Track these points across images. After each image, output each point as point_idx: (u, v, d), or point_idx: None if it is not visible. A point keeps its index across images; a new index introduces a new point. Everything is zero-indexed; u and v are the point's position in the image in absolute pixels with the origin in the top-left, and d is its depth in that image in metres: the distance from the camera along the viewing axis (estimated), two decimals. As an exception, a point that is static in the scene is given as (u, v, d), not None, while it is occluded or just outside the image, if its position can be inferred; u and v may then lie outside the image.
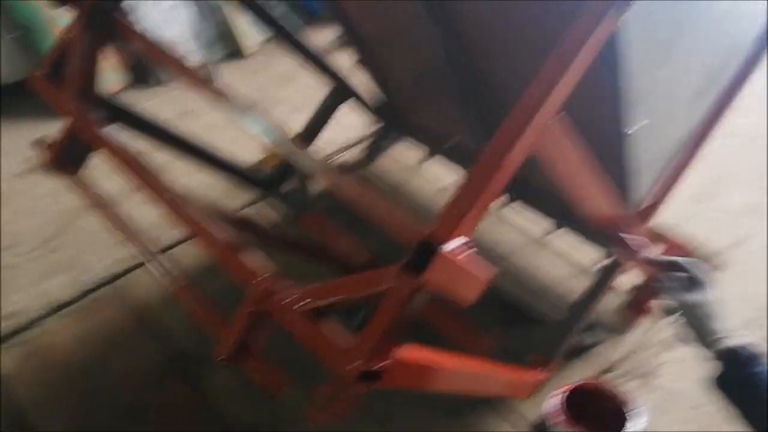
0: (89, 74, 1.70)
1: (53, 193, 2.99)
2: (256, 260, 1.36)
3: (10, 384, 2.17)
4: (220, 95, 1.76)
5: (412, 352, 1.24)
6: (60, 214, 2.87)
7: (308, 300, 1.24)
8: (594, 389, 1.61)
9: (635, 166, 1.72)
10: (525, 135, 1.12)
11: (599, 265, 2.17)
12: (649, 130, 1.66)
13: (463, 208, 1.13)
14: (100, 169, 1.62)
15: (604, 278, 1.99)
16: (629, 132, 1.54)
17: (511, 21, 1.65)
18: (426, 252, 1.06)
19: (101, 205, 1.62)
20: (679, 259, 1.54)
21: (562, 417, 1.48)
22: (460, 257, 1.10)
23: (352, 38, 2.39)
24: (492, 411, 2.05)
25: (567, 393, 1.56)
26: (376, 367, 1.15)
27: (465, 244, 1.11)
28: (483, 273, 1.16)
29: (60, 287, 2.53)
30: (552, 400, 1.53)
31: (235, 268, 1.33)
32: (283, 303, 1.25)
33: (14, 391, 2.15)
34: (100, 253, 2.66)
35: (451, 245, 1.10)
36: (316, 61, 2.45)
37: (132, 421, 2.08)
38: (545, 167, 1.30)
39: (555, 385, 2.05)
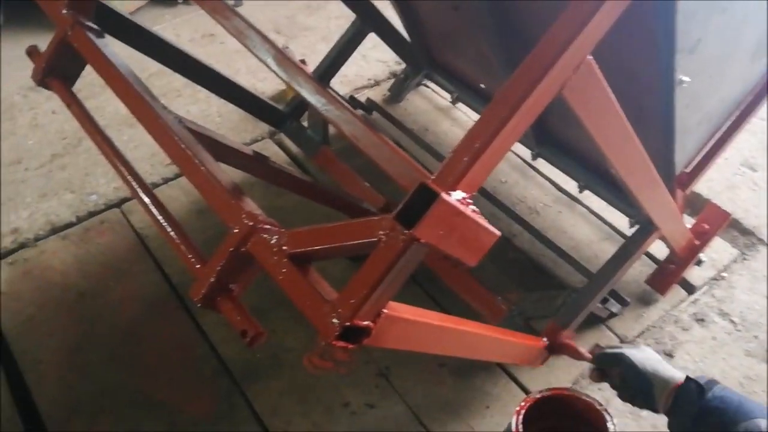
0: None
1: (63, 108, 2.88)
2: (242, 198, 1.24)
3: (3, 302, 2.11)
4: (237, 20, 1.61)
5: (402, 311, 1.11)
6: (71, 131, 2.78)
7: (294, 244, 1.12)
8: (567, 397, 1.48)
9: (683, 124, 1.54)
10: (548, 77, 0.95)
11: (630, 231, 2.02)
12: (702, 85, 1.47)
13: (472, 155, 0.98)
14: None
15: (633, 245, 1.83)
16: (683, 81, 1.36)
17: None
18: (424, 200, 0.92)
19: (90, 127, 1.50)
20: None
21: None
22: (462, 208, 0.95)
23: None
24: (504, 374, 1.96)
25: (531, 405, 1.42)
26: (361, 324, 1.04)
27: (468, 199, 0.97)
28: (487, 231, 1.02)
29: (65, 207, 2.46)
30: (514, 417, 1.40)
31: (218, 204, 1.21)
32: (265, 245, 1.13)
33: (7, 309, 2.10)
34: (109, 175, 2.57)
35: (455, 196, 0.96)
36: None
37: (127, 350, 2.02)
38: (574, 118, 1.14)
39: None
